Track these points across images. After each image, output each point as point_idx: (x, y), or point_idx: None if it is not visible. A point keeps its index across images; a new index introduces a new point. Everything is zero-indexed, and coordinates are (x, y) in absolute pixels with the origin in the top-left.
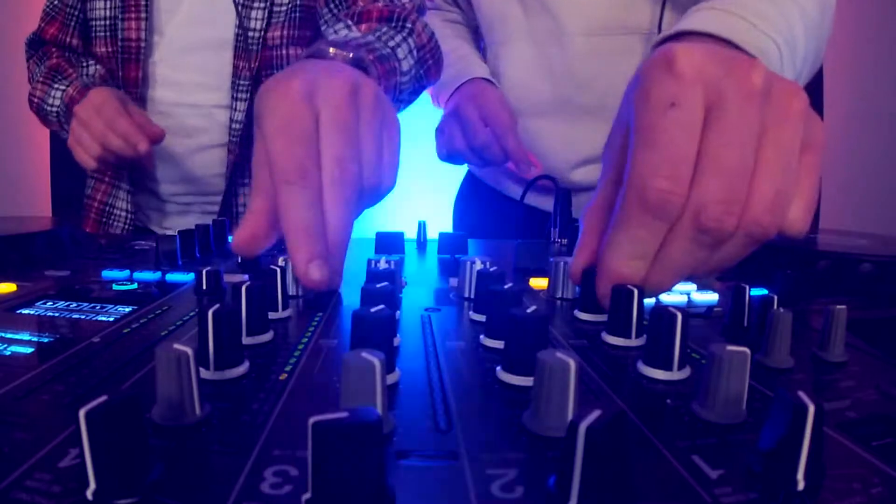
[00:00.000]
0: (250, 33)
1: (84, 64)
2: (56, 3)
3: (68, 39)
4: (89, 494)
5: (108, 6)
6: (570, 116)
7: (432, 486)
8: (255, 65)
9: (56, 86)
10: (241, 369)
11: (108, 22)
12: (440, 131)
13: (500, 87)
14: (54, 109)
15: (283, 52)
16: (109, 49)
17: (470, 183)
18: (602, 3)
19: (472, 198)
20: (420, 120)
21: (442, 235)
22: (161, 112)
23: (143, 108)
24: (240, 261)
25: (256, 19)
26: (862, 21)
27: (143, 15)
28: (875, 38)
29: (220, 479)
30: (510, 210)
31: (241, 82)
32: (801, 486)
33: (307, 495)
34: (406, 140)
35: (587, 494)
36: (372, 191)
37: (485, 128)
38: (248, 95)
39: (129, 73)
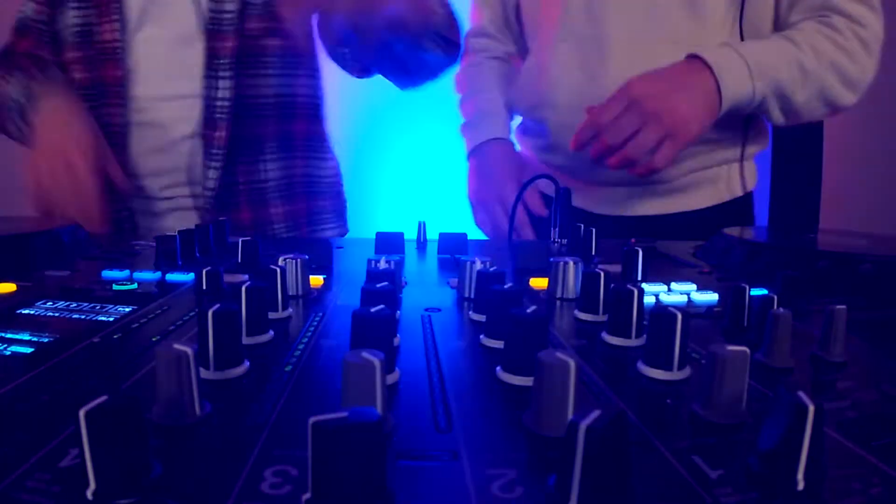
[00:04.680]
0: (225, 16)
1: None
2: (29, 20)
3: (40, 52)
4: (89, 494)
5: (81, 14)
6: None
7: (432, 486)
8: (233, 44)
9: (16, 74)
10: (241, 369)
11: (79, 28)
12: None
13: (510, 144)
14: (14, 103)
15: (264, 42)
16: (81, 54)
17: None
18: (642, 14)
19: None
20: (422, 120)
21: (442, 235)
22: (137, 108)
23: (126, 105)
24: (240, 261)
25: (230, 10)
26: None
27: (115, 17)
28: None
29: (220, 479)
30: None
31: (222, 62)
32: (801, 486)
33: (307, 495)
34: (407, 140)
35: (587, 494)
36: None
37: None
38: (231, 73)
39: (107, 71)
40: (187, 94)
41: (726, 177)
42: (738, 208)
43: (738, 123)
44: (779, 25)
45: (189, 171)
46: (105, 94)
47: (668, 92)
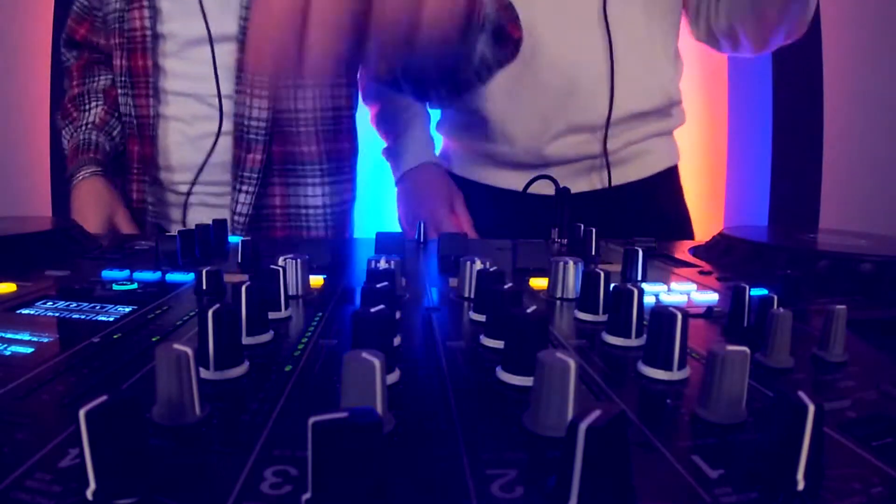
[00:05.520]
0: None
1: (87, 107)
2: (85, 4)
3: (96, 40)
4: (89, 494)
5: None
6: (540, 92)
7: (432, 486)
8: None
9: (64, 131)
10: (241, 369)
11: (117, 14)
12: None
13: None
14: (64, 150)
15: None
16: (118, 40)
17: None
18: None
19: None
20: None
21: (442, 235)
22: (166, 102)
23: (152, 97)
24: (240, 261)
25: None
26: (862, 20)
27: (145, 3)
28: (875, 37)
29: (220, 479)
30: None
31: (256, 78)
32: (801, 486)
33: (307, 495)
34: None
35: (587, 494)
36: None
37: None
38: (268, 92)
39: (135, 62)
40: (212, 94)
41: (657, 150)
42: (670, 180)
43: (666, 98)
44: None
45: (213, 169)
46: (135, 84)
47: None
